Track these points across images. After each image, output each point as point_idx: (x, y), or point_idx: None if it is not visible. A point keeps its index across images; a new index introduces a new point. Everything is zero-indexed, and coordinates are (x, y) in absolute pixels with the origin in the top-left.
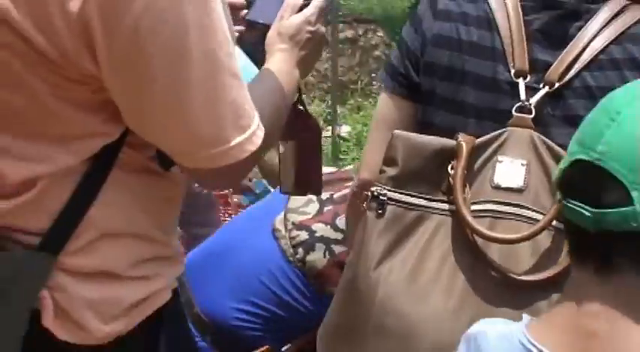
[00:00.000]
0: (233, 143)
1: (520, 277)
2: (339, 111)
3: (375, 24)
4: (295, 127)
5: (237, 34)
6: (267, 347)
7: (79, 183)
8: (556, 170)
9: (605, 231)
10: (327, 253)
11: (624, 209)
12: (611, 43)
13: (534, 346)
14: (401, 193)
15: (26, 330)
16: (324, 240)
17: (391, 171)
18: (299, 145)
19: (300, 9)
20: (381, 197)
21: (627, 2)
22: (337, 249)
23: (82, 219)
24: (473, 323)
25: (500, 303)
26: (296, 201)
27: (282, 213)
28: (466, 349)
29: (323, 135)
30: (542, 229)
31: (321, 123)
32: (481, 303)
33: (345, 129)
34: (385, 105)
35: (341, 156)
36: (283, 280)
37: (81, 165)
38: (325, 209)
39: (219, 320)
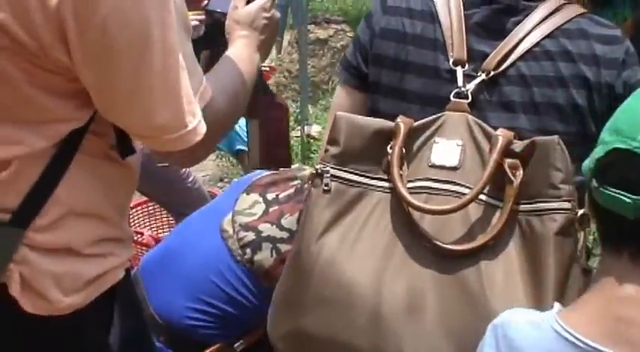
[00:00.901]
0: (190, 127)
1: (450, 246)
2: (311, 112)
3: (346, 24)
4: (258, 106)
5: (197, 22)
6: (219, 344)
7: (48, 165)
8: (588, 160)
9: None
10: (273, 252)
11: None
12: (546, 37)
13: (570, 334)
14: (343, 170)
15: None
16: (270, 239)
17: (334, 150)
18: (263, 123)
19: None
20: (325, 174)
21: (563, 2)
22: (283, 247)
23: (49, 198)
24: (408, 292)
25: (434, 270)
26: (243, 203)
27: (230, 215)
28: (494, 338)
29: (294, 135)
30: (470, 202)
31: (293, 123)
32: (415, 272)
33: (315, 129)
34: (340, 96)
35: (310, 156)
36: (232, 279)
37: (50, 148)
38: (271, 209)
39: (172, 320)
